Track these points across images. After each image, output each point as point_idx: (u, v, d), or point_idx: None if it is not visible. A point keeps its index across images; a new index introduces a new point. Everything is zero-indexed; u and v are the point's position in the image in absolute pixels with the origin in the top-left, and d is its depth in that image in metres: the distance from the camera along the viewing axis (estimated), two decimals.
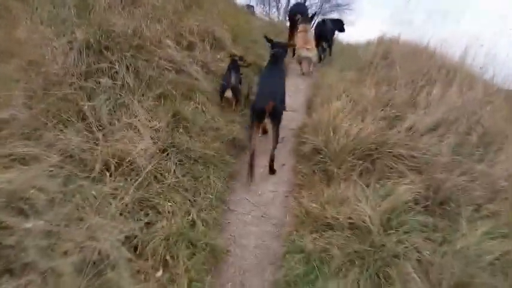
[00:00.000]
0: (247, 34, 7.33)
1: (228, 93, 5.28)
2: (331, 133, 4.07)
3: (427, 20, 6.21)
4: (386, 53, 5.88)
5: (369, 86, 4.93)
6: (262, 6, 27.67)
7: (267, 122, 4.52)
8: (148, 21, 5.45)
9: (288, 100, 6.33)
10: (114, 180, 3.29)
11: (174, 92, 4.75)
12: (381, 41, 6.68)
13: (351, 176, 3.66)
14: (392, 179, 3.57)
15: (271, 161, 4.38)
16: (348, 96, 4.79)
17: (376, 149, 3.84)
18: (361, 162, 3.77)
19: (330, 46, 8.53)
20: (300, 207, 3.49)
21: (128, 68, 4.71)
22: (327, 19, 8.95)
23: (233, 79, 5.33)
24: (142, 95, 4.56)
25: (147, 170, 3.48)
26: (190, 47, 5.69)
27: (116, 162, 3.42)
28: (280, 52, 5.42)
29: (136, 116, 4.21)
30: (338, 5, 27.44)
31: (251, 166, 4.17)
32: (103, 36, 4.80)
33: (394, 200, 3.24)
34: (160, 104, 4.56)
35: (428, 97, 4.56)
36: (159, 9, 5.81)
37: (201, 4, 6.87)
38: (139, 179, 3.37)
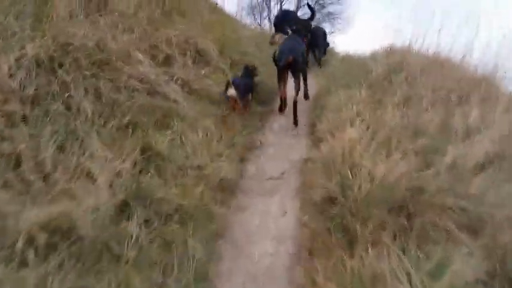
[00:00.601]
0: (236, 45, 6.36)
1: (231, 91, 4.89)
2: (349, 174, 3.06)
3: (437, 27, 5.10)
4: (400, 65, 4.91)
5: (388, 108, 3.93)
6: (253, 17, 27.05)
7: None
8: (117, 31, 4.47)
9: (284, 120, 5.41)
10: (44, 261, 2.26)
11: (145, 120, 3.75)
12: (391, 50, 5.73)
13: (381, 237, 2.65)
14: (439, 242, 2.56)
15: (304, 93, 5.92)
16: (363, 121, 3.79)
17: (412, 197, 2.82)
18: (393, 217, 2.75)
19: (319, 52, 8.45)
20: None
21: (86, 90, 3.71)
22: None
23: (239, 81, 5.10)
24: (104, 125, 3.56)
25: (95, 239, 2.45)
26: (167, 61, 4.71)
27: (51, 231, 2.39)
28: (298, 29, 6.35)
29: (92, 155, 3.20)
30: (330, 14, 26.83)
31: (283, 101, 5.52)
32: (58, 51, 3.82)
33: (450, 281, 2.24)
34: (127, 135, 3.56)
35: (466, 121, 3.58)
36: (130, 17, 4.82)
37: (183, 11, 5.90)
38: (82, 256, 2.34)
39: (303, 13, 25.63)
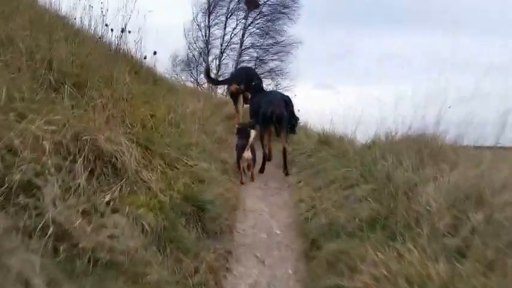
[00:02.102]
0: (174, 132, 4.10)
1: (248, 154, 5.30)
2: None
3: None
4: (476, 190, 2.79)
5: None
6: (189, 72, 25.31)
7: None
8: None
9: (258, 268, 3.20)
10: None
11: None
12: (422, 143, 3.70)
13: None
14: None
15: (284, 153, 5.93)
16: None
17: None
18: None
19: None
20: None
21: None
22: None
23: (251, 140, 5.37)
24: None
25: None
26: (28, 189, 2.31)
27: None
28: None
29: None
30: (271, 70, 25.63)
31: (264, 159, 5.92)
32: None
33: None
34: None
35: None
36: None
37: (82, 81, 3.63)
38: None
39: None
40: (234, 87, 7.87)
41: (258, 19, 25.33)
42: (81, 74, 3.76)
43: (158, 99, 4.56)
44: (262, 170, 5.92)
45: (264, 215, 4.18)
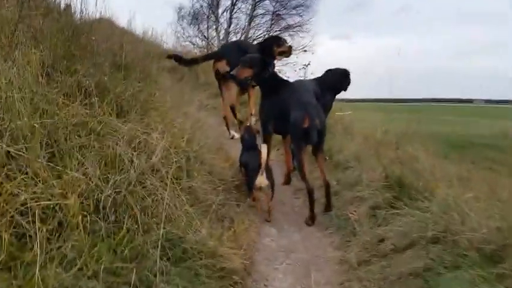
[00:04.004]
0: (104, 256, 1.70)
1: (263, 180, 3.52)
2: None
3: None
4: None
5: None
6: (196, 28, 22.57)
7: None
8: None
9: None
10: None
11: None
12: None
13: None
14: None
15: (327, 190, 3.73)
16: None
17: None
18: None
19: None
20: None
21: None
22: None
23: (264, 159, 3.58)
24: None
25: None
26: None
27: None
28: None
29: None
30: (289, 27, 22.79)
31: (311, 203, 3.61)
32: None
33: None
34: None
35: None
36: None
37: None
38: None
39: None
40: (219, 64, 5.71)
41: None
42: None
43: (87, 145, 2.08)
44: (312, 220, 3.62)
45: None
